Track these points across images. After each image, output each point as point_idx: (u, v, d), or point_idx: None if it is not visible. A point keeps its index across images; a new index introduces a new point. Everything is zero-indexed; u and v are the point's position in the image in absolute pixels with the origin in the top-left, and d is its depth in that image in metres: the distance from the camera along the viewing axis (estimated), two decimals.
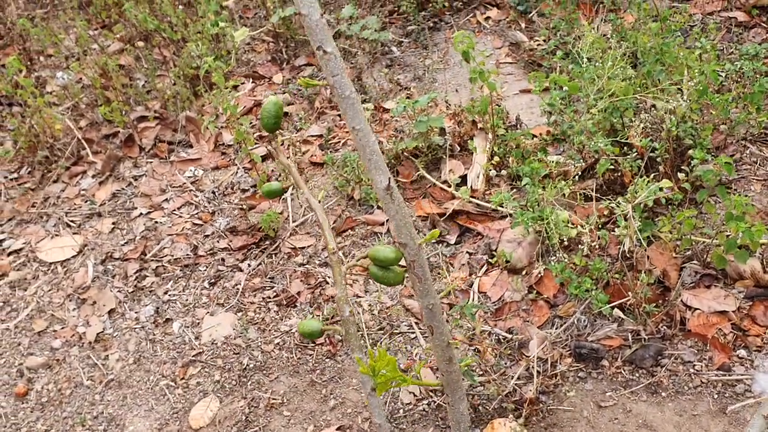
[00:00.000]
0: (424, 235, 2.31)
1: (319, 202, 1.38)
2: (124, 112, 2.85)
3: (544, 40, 2.87)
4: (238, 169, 2.73)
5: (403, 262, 1.29)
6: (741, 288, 1.95)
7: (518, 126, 2.53)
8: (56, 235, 2.59)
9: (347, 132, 2.80)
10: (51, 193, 2.75)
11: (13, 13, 3.33)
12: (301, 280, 2.28)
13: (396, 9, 3.27)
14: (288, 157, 2.72)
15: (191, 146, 2.86)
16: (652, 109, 2.15)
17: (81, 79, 3.17)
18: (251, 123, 2.90)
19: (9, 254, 2.56)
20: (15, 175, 2.86)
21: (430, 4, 3.22)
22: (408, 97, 2.85)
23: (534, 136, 2.41)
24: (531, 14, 3.06)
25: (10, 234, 2.64)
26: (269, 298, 2.26)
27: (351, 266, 1.27)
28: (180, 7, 3.24)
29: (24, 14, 3.48)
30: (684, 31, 2.65)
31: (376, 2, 3.34)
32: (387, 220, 2.42)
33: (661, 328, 1.91)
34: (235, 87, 2.83)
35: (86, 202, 2.70)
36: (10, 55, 3.38)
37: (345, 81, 1.07)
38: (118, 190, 2.72)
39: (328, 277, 2.27)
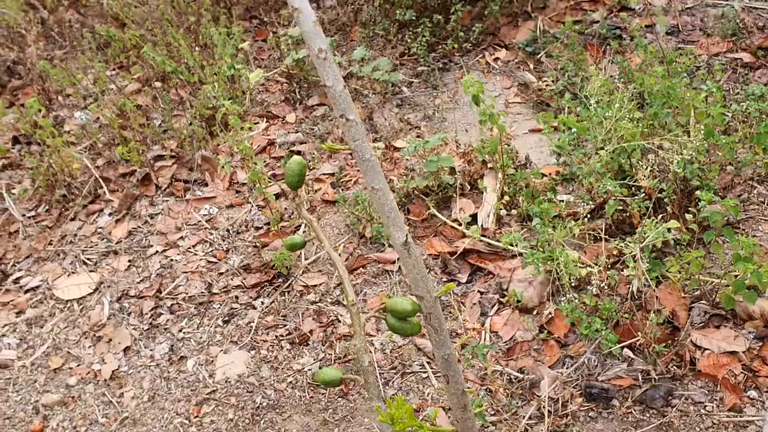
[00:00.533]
0: (436, 274, 2.34)
1: (339, 255, 1.41)
2: (141, 152, 2.91)
3: (553, 81, 2.93)
4: (252, 207, 2.78)
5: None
6: (751, 328, 1.96)
7: (528, 165, 2.57)
8: (73, 272, 2.64)
9: (358, 171, 2.85)
10: (68, 231, 2.80)
11: (33, 55, 3.43)
12: (314, 319, 2.31)
13: (407, 50, 3.34)
14: (300, 196, 2.77)
15: (206, 185, 2.91)
16: (660, 150, 2.18)
17: (98, 118, 3.24)
18: (265, 162, 2.95)
19: (26, 291, 2.61)
20: (33, 213, 2.92)
21: (440, 46, 3.29)
22: (418, 136, 2.91)
23: (543, 175, 2.45)
24: (539, 55, 3.13)
25: (27, 271, 2.69)
26: (282, 336, 2.29)
27: (370, 317, 1.30)
28: (197, 49, 3.32)
29: (43, 55, 3.58)
30: (690, 72, 2.70)
31: (387, 44, 3.42)
32: (398, 259, 2.45)
33: (672, 368, 1.92)
34: (249, 128, 2.89)
35: (103, 239, 2.75)
36: (29, 94, 3.47)
37: (365, 145, 1.14)
38: (134, 228, 2.77)
39: (340, 316, 2.30)
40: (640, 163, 2.19)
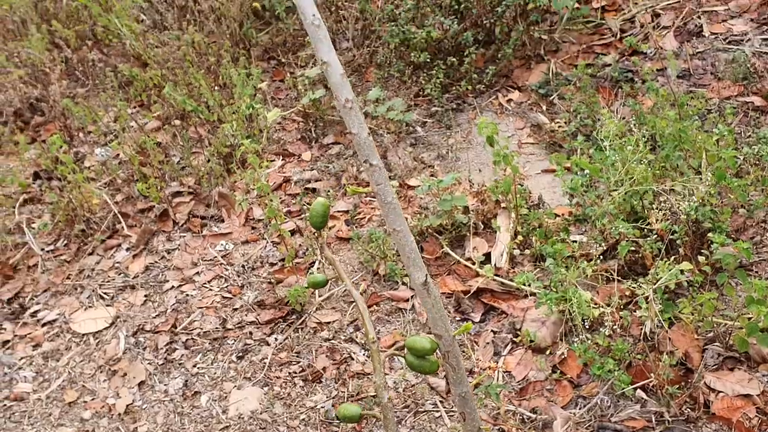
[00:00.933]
0: (449, 313, 2.36)
1: (359, 292, 1.44)
2: (159, 188, 2.96)
3: (565, 122, 2.97)
4: (267, 243, 2.82)
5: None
6: (765, 371, 1.96)
7: (541, 205, 2.60)
8: (90, 306, 2.67)
9: (373, 208, 2.88)
10: (86, 265, 2.84)
11: (57, 92, 3.51)
12: (327, 356, 2.32)
13: (421, 91, 3.40)
14: (314, 233, 2.81)
15: (223, 221, 2.95)
16: (672, 192, 2.21)
17: (118, 155, 3.31)
18: (280, 199, 3.00)
19: (43, 325, 2.64)
20: (52, 247, 2.97)
21: (454, 87, 3.35)
22: (432, 175, 2.95)
23: (556, 215, 2.47)
24: (552, 97, 3.17)
25: (45, 305, 2.72)
26: (295, 372, 2.30)
27: (389, 355, 1.32)
28: (216, 88, 3.40)
29: (66, 93, 3.67)
30: (701, 115, 2.73)
31: (401, 85, 3.48)
32: (412, 296, 2.47)
33: (685, 410, 1.92)
34: (266, 166, 2.95)
35: (120, 274, 2.79)
36: (50, 130, 3.56)
37: (388, 189, 1.18)
38: (151, 263, 2.81)
39: (354, 353, 2.31)
40: (652, 205, 2.21)
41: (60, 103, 3.44)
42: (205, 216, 2.98)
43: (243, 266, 2.74)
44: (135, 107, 3.64)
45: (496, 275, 2.39)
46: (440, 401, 2.12)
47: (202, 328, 2.51)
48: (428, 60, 3.34)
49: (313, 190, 3.04)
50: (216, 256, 2.79)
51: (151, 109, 3.50)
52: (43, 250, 2.94)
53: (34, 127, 3.62)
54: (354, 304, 2.50)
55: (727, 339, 2.02)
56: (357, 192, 1.36)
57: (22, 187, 3.19)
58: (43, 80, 3.69)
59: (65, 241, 2.97)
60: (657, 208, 2.14)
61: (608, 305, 2.09)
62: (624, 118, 2.82)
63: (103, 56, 3.90)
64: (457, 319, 2.34)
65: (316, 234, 1.54)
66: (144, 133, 3.18)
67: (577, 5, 3.44)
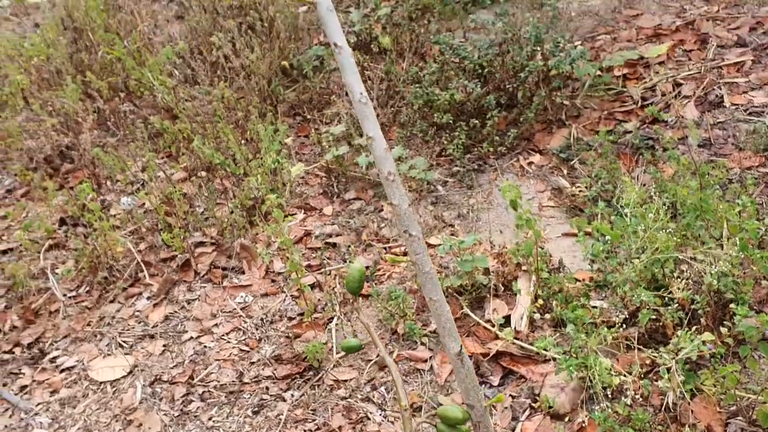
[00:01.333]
0: None
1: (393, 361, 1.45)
2: (183, 238, 3.01)
3: (586, 187, 2.99)
4: (287, 297, 2.83)
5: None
6: None
7: (561, 269, 2.61)
8: (109, 354, 2.69)
9: (392, 266, 2.90)
10: (107, 312, 2.87)
11: (87, 141, 3.60)
12: (343, 415, 2.31)
13: (443, 151, 3.45)
14: (333, 288, 2.82)
15: (243, 272, 2.98)
16: (693, 261, 2.21)
17: (144, 204, 3.37)
18: (301, 252, 3.03)
19: (62, 371, 2.65)
20: (74, 293, 3.00)
21: (476, 148, 3.40)
22: (452, 234, 2.97)
23: (577, 280, 2.48)
24: (573, 162, 3.21)
25: (64, 351, 2.74)
26: (310, 431, 2.28)
27: (421, 423, 1.32)
28: (243, 142, 3.48)
29: (97, 142, 3.76)
30: (723, 184, 2.75)
31: (424, 144, 3.54)
32: (430, 357, 2.46)
33: None
34: (289, 219, 2.99)
35: (140, 323, 2.81)
36: (79, 178, 3.64)
37: (426, 259, 1.22)
38: (171, 312, 2.83)
39: (370, 413, 2.30)
40: (673, 273, 2.21)
41: (90, 152, 3.53)
42: (226, 267, 3.01)
43: (262, 319, 2.75)
44: (163, 158, 3.72)
45: (516, 339, 2.38)
46: None
47: (218, 381, 2.51)
48: (451, 121, 3.40)
49: (334, 245, 3.07)
50: (235, 308, 2.81)
51: (179, 161, 3.58)
52: (65, 295, 2.97)
53: (63, 174, 3.70)
54: (371, 362, 2.50)
55: (750, 414, 1.99)
56: (396, 261, 1.40)
57: (48, 232, 3.24)
58: (74, 129, 3.79)
59: (87, 288, 3.01)
60: (678, 277, 2.14)
61: (629, 373, 2.07)
62: (645, 185, 2.84)
63: (134, 108, 4.01)
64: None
65: (352, 299, 1.56)
66: (171, 184, 3.24)
67: (598, 73, 3.51)
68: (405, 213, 1.19)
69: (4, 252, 3.35)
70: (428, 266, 1.23)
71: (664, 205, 2.40)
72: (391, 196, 1.19)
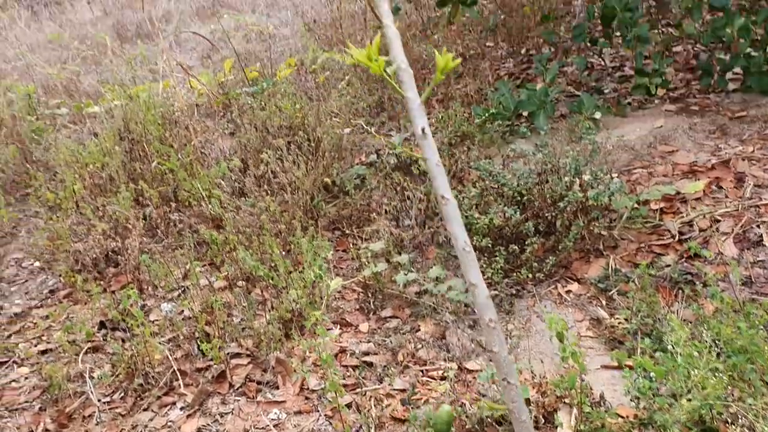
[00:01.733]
0: None
1: None
2: (220, 348, 3.02)
3: (626, 319, 2.98)
4: (321, 416, 2.80)
5: None
6: None
7: (602, 403, 2.56)
8: None
9: (430, 389, 2.87)
10: (140, 421, 2.85)
11: (135, 247, 3.71)
12: None
13: (482, 273, 3.48)
14: (369, 410, 2.79)
15: (278, 387, 2.96)
16: (744, 404, 2.16)
17: (183, 311, 3.42)
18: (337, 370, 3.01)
19: None
20: (108, 399, 3.00)
21: (514, 273, 3.43)
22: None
23: (619, 416, 2.42)
24: (611, 292, 3.22)
25: None
26: None
27: None
28: (284, 253, 3.56)
29: (143, 247, 3.87)
30: (766, 325, 2.72)
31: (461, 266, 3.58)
32: None
33: None
34: (326, 336, 3.00)
35: None
36: (121, 282, 3.72)
37: (523, 407, 1.24)
38: (203, 425, 2.80)
39: None
40: (721, 415, 2.16)
41: (135, 257, 3.63)
42: (261, 381, 3.00)
43: None
44: (205, 266, 3.80)
45: None
46: None
47: None
48: (489, 245, 3.45)
49: (370, 364, 3.06)
50: (268, 425, 2.77)
51: (220, 270, 3.65)
52: (99, 400, 2.97)
53: (108, 278, 3.79)
54: None
55: None
56: (494, 408, 1.41)
57: (88, 335, 3.29)
58: (122, 234, 3.91)
59: (122, 394, 3.00)
60: (730, 422, 2.09)
61: None
62: (686, 320, 2.82)
63: (182, 217, 4.14)
64: None
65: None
66: (213, 292, 3.29)
67: (636, 206, 3.58)
68: (505, 360, 1.22)
69: (44, 352, 3.39)
70: (524, 414, 1.24)
71: (711, 344, 2.37)
72: (490, 341, 1.23)
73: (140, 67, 6.58)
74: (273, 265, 3.41)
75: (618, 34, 4.82)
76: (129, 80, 5.97)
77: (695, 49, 5.38)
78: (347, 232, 4.06)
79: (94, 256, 3.86)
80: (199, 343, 3.08)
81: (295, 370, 2.88)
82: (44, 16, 10.24)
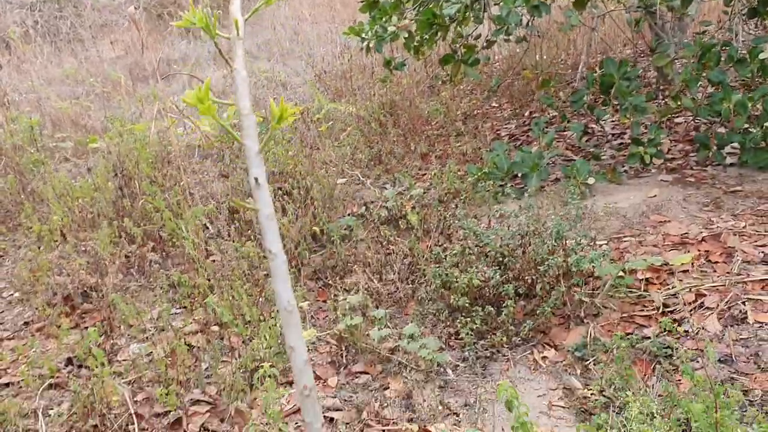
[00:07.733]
0: None
1: None
2: (178, 395, 2.94)
3: (599, 391, 2.88)
4: None
5: None
6: None
7: None
8: None
9: None
10: None
11: (110, 284, 3.68)
12: None
13: (456, 333, 3.41)
14: None
15: None
16: None
17: (151, 353, 3.35)
18: (296, 425, 2.92)
19: None
20: None
21: (490, 335, 3.34)
22: (455, 425, 2.84)
23: None
24: (588, 362, 3.12)
25: None
26: None
27: None
28: (261, 300, 3.50)
29: (120, 285, 3.83)
30: (742, 406, 2.61)
31: (438, 323, 3.51)
32: None
33: None
34: (285, 391, 2.92)
35: None
36: (96, 319, 3.67)
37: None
38: None
39: None
40: None
41: (109, 298, 3.59)
42: (216, 431, 2.91)
43: None
44: (180, 308, 3.75)
45: None
46: None
47: None
48: (467, 304, 3.38)
49: (331, 419, 2.96)
50: None
51: (193, 314, 3.60)
52: None
53: (81, 313, 3.74)
54: None
55: None
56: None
57: (51, 371, 3.22)
58: (101, 270, 3.88)
59: None
60: None
61: None
62: (660, 395, 2.72)
63: (162, 257, 4.12)
64: None
65: None
66: (177, 337, 3.23)
67: (621, 274, 3.50)
68: None
69: (6, 385, 3.33)
70: None
71: (678, 420, 2.27)
72: (305, 413, 1.23)
73: (148, 106, 6.68)
74: (241, 313, 3.36)
75: (616, 102, 4.82)
76: (135, 118, 6.05)
77: (695, 121, 5.36)
78: (330, 282, 4.01)
79: (70, 291, 3.83)
80: (157, 388, 3.01)
81: (249, 427, 2.79)
82: (66, 52, 10.50)
